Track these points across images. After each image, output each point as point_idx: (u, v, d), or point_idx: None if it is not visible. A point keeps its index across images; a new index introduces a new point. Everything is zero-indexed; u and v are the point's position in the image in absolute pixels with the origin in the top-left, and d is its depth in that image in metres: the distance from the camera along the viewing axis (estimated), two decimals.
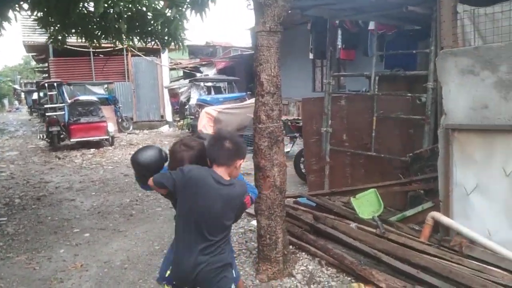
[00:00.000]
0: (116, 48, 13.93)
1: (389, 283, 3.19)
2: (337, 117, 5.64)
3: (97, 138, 11.47)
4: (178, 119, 13.99)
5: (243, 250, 4.29)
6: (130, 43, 7.22)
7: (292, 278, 3.67)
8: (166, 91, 15.30)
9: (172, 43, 6.73)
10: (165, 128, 15.41)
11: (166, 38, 6.60)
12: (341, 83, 12.04)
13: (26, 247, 4.48)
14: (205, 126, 9.85)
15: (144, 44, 6.78)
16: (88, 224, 5.23)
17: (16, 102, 35.43)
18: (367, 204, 4.40)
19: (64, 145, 11.76)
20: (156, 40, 6.75)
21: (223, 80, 12.99)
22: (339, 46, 9.19)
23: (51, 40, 6.96)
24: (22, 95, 28.13)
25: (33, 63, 25.51)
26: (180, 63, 17.75)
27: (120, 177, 7.99)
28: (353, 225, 4.24)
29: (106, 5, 4.90)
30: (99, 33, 6.60)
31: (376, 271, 3.36)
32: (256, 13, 3.61)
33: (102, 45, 7.41)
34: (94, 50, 14.66)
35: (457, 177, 3.48)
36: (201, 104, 10.74)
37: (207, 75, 14.80)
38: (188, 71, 16.78)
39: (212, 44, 25.51)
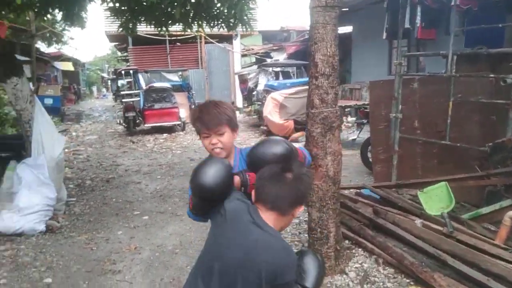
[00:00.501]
0: (190, 36, 14.29)
1: None
2: (408, 102, 5.13)
3: (169, 123, 11.87)
4: (246, 105, 14.01)
5: (295, 242, 4.09)
6: (199, 28, 7.24)
7: (344, 276, 3.40)
8: (236, 77, 15.40)
9: (240, 27, 6.64)
10: (243, 114, 15.55)
11: (232, 21, 6.52)
12: (420, 65, 11.14)
13: (88, 227, 4.70)
14: (271, 112, 9.69)
15: (210, 29, 6.75)
16: (148, 207, 5.37)
17: (104, 90, 38.18)
18: (436, 199, 3.93)
19: (140, 130, 12.34)
20: (223, 24, 6.69)
21: (292, 65, 12.68)
22: (418, 24, 8.43)
23: (122, 28, 7.19)
24: (109, 82, 30.25)
25: (119, 52, 27.21)
26: (252, 49, 17.71)
27: (186, 161, 8.16)
28: (418, 221, 3.81)
29: None
30: (166, 20, 6.70)
31: (439, 274, 2.97)
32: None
33: (177, 33, 7.52)
34: (170, 38, 15.15)
35: None
36: (268, 90, 10.59)
37: (277, 60, 14.59)
38: (259, 57, 16.69)
39: (286, 28, 25.17)
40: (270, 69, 12.52)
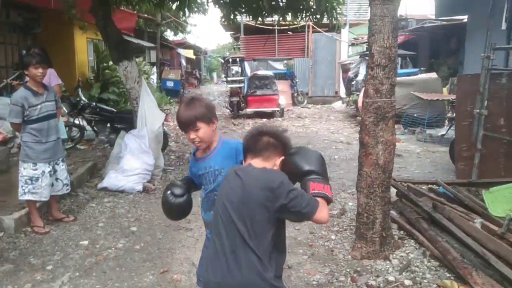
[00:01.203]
0: (298, 25, 14.63)
1: None
2: (495, 98, 4.84)
3: (269, 109, 12.46)
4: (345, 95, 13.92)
5: (351, 226, 4.24)
6: (288, 19, 7.58)
7: (387, 262, 3.51)
8: (340, 67, 15.32)
9: (328, 19, 6.82)
10: (337, 104, 15.52)
11: (319, 14, 6.73)
12: None
13: None
14: None
15: (296, 20, 7.04)
16: None
17: (223, 75, 40.69)
18: (503, 200, 3.75)
19: (243, 114, 13.18)
20: (311, 16, 6.93)
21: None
22: None
23: (225, 19, 7.86)
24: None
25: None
26: (362, 38, 17.33)
27: None
28: (477, 220, 3.70)
29: None
30: (260, 11, 7.17)
31: (478, 272, 2.92)
32: None
33: (286, 22, 7.96)
34: (278, 28, 15.68)
35: None
36: None
37: None
38: (368, 47, 16.28)
39: (405, 17, 23.90)
40: None
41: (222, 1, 7.09)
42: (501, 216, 3.59)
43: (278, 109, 12.39)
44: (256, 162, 1.81)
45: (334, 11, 6.45)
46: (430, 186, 4.94)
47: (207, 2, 6.92)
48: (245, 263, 1.65)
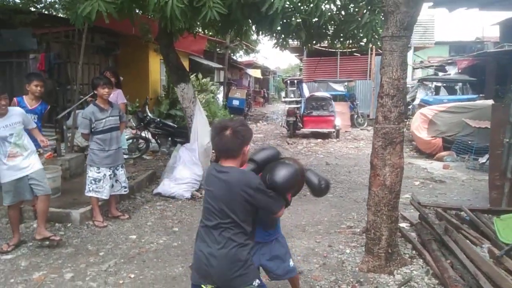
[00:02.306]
0: (361, 50, 14.88)
1: None
2: None
3: (325, 130, 12.80)
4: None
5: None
6: (339, 45, 8.01)
7: (391, 276, 3.78)
8: None
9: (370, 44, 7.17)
10: None
11: (363, 41, 7.09)
12: None
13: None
14: (418, 128, 9.60)
15: (342, 46, 7.45)
16: None
17: (292, 95, 41.49)
18: None
19: (300, 133, 13.63)
20: (354, 43, 7.33)
21: (453, 80, 11.96)
22: None
23: (278, 45, 8.48)
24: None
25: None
26: (428, 62, 17.07)
27: (322, 164, 8.98)
28: (485, 245, 3.86)
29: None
30: (309, 39, 7.69)
31: None
32: (384, 19, 3.82)
33: (349, 45, 8.43)
34: (341, 50, 16.01)
35: None
36: (422, 105, 10.42)
37: (449, 74, 13.81)
38: (435, 70, 16.00)
39: (481, 40, 22.99)
40: (430, 83, 12.13)
41: (276, 31, 7.72)
42: (509, 243, 3.72)
43: (333, 130, 12.68)
44: (231, 163, 2.23)
45: (377, 37, 6.76)
46: (456, 212, 5.06)
47: (259, 33, 7.57)
48: (230, 239, 2.20)
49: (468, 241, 3.87)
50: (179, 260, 4.17)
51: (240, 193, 2.14)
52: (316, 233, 4.91)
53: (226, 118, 2.57)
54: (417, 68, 16.67)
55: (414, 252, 4.25)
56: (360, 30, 6.53)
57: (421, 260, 4.04)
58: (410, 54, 16.06)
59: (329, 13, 6.02)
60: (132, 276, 3.76)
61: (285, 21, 6.23)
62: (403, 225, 5.06)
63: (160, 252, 4.34)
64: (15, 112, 4.16)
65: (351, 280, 3.75)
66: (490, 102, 8.95)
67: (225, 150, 2.23)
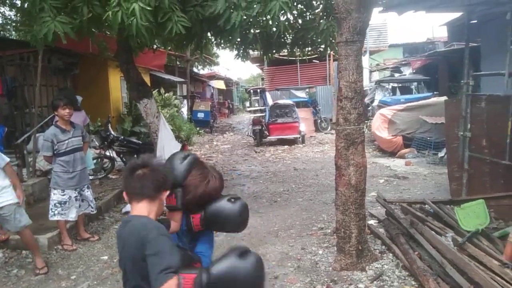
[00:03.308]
0: (321, 56, 15.27)
1: None
2: (477, 121, 5.16)
3: (290, 136, 12.99)
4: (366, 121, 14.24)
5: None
6: (298, 53, 8.23)
7: (364, 272, 3.90)
8: None
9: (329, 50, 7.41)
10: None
11: (322, 47, 7.33)
12: None
13: None
14: (379, 128, 9.94)
15: (302, 54, 7.67)
16: None
17: (256, 104, 41.84)
18: (473, 215, 4.06)
19: (267, 141, 13.76)
20: (315, 50, 7.56)
21: (408, 80, 12.51)
22: None
23: (239, 56, 8.59)
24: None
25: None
26: (384, 64, 17.72)
27: (290, 170, 9.11)
28: (449, 234, 4.06)
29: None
30: (270, 48, 7.85)
31: (433, 279, 3.29)
32: (337, 25, 3.99)
33: (308, 53, 8.60)
34: (300, 58, 16.38)
35: None
36: (381, 106, 10.81)
37: (405, 74, 14.41)
38: (391, 72, 16.63)
39: (432, 40, 24.07)
40: (387, 84, 12.61)
41: (235, 42, 7.83)
42: (471, 230, 3.93)
43: (299, 136, 12.89)
44: (140, 208, 1.70)
45: (334, 42, 6.99)
46: (420, 205, 5.28)
47: (219, 45, 7.65)
48: None
49: (433, 232, 4.05)
50: None
51: (135, 248, 1.60)
52: (289, 237, 4.99)
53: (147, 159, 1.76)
54: (374, 71, 17.25)
55: (383, 247, 4.41)
56: (318, 37, 6.74)
57: (391, 254, 4.20)
58: (366, 57, 16.62)
59: (287, 23, 6.20)
60: None
61: (244, 32, 6.36)
62: (371, 222, 5.24)
63: None
64: None
65: (326, 279, 3.84)
66: (442, 98, 9.39)
67: (141, 191, 1.70)
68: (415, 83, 12.45)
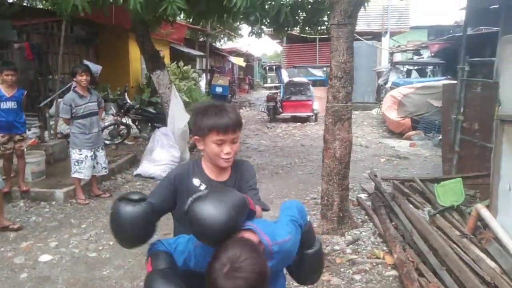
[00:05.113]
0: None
1: (399, 256, 3.47)
2: (471, 105, 5.35)
3: (303, 114, 13.24)
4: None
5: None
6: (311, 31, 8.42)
7: (342, 238, 4.27)
8: (374, 74, 15.70)
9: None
10: (376, 110, 15.90)
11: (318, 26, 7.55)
12: None
13: None
14: (388, 109, 10.10)
15: (314, 32, 7.87)
16: None
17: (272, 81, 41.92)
18: (451, 192, 4.33)
19: (281, 118, 14.04)
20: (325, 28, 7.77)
21: (423, 63, 12.47)
22: None
23: (253, 33, 8.83)
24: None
25: None
26: (405, 46, 17.56)
27: (297, 146, 9.45)
28: (426, 209, 4.36)
29: None
30: (283, 26, 8.06)
31: (400, 246, 3.63)
32: (330, 9, 4.23)
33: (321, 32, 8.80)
34: (320, 36, 16.41)
35: (503, 171, 3.28)
36: (393, 87, 10.92)
37: (423, 57, 14.32)
38: (412, 54, 16.51)
39: (459, 23, 23.46)
40: (402, 67, 12.62)
41: (250, 19, 8.08)
42: (448, 206, 4.22)
43: (312, 114, 13.12)
44: None
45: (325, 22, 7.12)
46: (410, 183, 5.56)
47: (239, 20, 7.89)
48: None
49: (411, 205, 4.36)
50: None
51: None
52: None
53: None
54: (394, 53, 17.14)
55: (366, 217, 4.76)
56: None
57: (372, 223, 4.54)
58: (386, 39, 16.52)
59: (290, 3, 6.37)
60: (111, 243, 4.19)
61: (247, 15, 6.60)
62: (362, 195, 5.57)
63: None
64: None
65: None
66: (452, 82, 9.45)
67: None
68: (431, 67, 12.41)
